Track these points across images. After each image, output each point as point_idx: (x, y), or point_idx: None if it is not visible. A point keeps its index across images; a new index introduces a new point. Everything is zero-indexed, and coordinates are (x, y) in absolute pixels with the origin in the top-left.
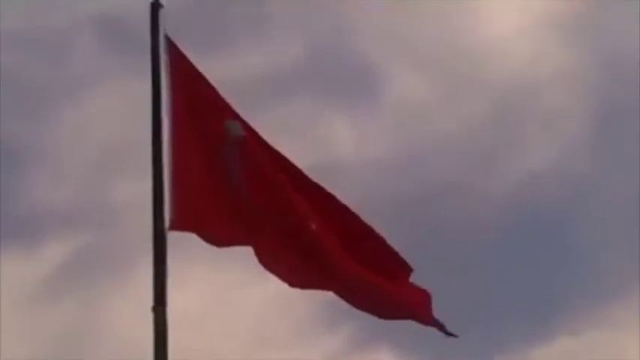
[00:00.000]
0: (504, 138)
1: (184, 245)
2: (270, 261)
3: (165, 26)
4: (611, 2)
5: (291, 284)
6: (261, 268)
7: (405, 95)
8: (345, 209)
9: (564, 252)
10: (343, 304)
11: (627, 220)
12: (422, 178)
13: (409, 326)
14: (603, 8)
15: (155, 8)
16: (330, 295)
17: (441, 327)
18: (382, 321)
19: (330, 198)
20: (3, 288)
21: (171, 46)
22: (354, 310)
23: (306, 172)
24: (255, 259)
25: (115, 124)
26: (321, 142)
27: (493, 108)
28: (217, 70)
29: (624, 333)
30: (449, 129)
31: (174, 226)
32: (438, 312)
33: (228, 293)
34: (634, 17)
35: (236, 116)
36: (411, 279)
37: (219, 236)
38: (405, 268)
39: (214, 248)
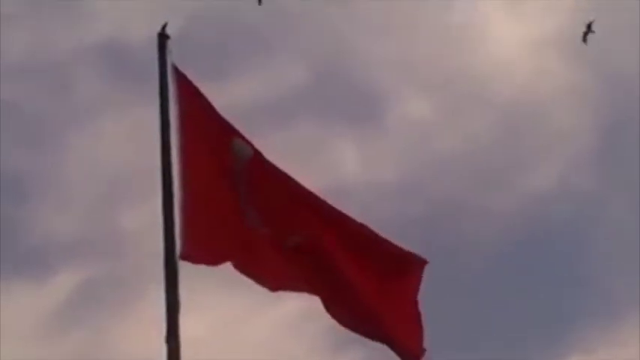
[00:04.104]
0: (509, 156)
1: (194, 272)
2: (268, 274)
3: (172, 55)
4: (613, 18)
5: (290, 289)
6: (270, 293)
7: (410, 116)
8: (353, 222)
9: (575, 270)
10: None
11: (637, 236)
12: (428, 199)
13: None
14: (605, 24)
15: (162, 39)
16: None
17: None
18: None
19: (339, 213)
20: (13, 319)
21: (179, 76)
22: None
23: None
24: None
25: (122, 152)
26: (327, 165)
27: (497, 126)
28: (223, 95)
29: (636, 350)
30: (454, 149)
31: (186, 256)
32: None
33: (238, 318)
34: (637, 33)
35: (243, 137)
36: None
37: (223, 256)
38: (419, 264)
39: (223, 274)
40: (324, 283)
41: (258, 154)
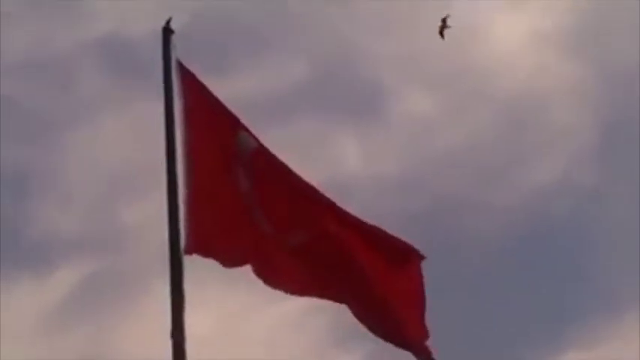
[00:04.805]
0: (511, 152)
1: (197, 267)
2: (278, 277)
3: (176, 50)
4: (613, 15)
5: (301, 293)
6: (273, 290)
7: (411, 112)
8: (353, 218)
9: (576, 265)
10: (356, 324)
11: (638, 232)
12: (430, 193)
13: None
14: (606, 21)
15: (167, 33)
16: (343, 314)
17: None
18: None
19: (339, 208)
20: (15, 316)
21: (184, 70)
22: (367, 329)
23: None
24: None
25: (125, 148)
26: (329, 160)
27: (499, 122)
28: (225, 91)
29: (636, 347)
30: (456, 144)
31: (190, 251)
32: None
33: (241, 314)
34: (636, 29)
35: (247, 130)
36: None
37: (233, 258)
38: (416, 257)
39: (227, 270)
40: (334, 281)
41: (262, 148)
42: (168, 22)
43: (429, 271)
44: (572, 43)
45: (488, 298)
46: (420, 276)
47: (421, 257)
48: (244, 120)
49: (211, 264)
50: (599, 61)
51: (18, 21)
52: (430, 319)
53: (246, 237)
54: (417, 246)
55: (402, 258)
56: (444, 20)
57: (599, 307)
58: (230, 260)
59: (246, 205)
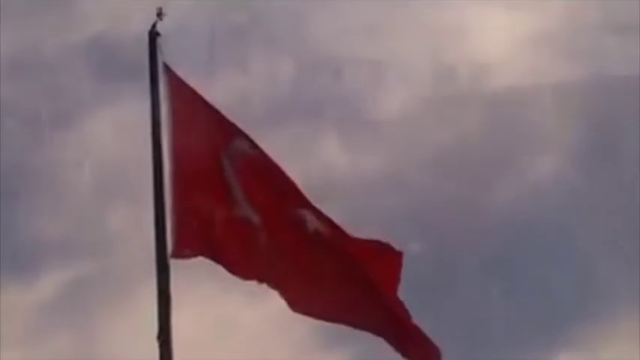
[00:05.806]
0: (499, 152)
1: (182, 269)
2: (275, 284)
3: (163, 54)
4: (611, 15)
5: (294, 309)
6: (258, 290)
7: (398, 112)
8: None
9: (572, 266)
10: (342, 327)
11: (637, 232)
12: (418, 194)
13: None
14: (602, 21)
15: (153, 37)
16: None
17: None
18: (382, 344)
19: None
20: (2, 318)
21: (170, 73)
22: (353, 333)
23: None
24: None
25: (115, 150)
26: (314, 164)
27: (487, 122)
28: (208, 94)
29: (636, 348)
30: (443, 144)
31: (177, 254)
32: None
33: (226, 315)
34: (632, 29)
35: (245, 135)
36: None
37: (223, 262)
38: (396, 255)
39: (212, 271)
40: (331, 288)
41: (259, 154)
42: (154, 26)
43: (421, 271)
44: (565, 43)
45: (478, 300)
46: (399, 273)
47: (399, 254)
48: (237, 123)
49: (200, 266)
50: (595, 62)
51: (7, 21)
52: (423, 320)
53: (240, 243)
54: (405, 245)
55: (382, 255)
56: (159, 9)
57: (597, 308)
58: (230, 267)
59: (236, 207)
